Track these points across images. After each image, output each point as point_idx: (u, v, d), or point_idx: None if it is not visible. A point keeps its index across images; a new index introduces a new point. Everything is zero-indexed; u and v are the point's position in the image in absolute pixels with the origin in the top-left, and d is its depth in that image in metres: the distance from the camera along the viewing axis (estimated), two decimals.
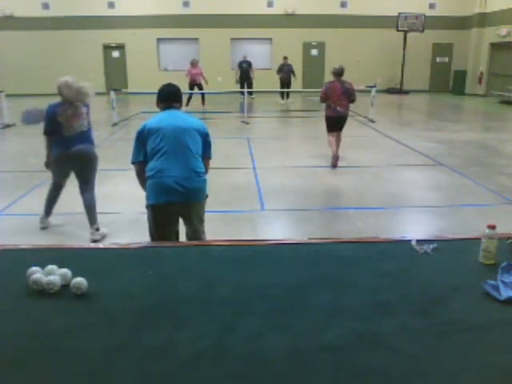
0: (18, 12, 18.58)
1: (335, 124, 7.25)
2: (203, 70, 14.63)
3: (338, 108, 7.10)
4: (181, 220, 3.21)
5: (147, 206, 3.02)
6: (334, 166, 7.22)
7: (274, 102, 15.73)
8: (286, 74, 15.73)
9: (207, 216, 4.89)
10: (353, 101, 7.19)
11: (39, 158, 6.69)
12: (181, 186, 2.87)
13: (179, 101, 3.14)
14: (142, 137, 2.94)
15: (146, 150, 2.93)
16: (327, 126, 7.39)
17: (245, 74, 16.15)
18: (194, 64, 14.39)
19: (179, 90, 3.20)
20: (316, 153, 8.33)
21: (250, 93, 16.48)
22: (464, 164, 7.28)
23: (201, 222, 3.21)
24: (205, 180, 3.06)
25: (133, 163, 3.03)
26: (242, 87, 15.59)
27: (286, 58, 16.00)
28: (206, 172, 3.12)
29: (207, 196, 3.16)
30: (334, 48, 19.47)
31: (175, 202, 2.91)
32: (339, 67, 7.12)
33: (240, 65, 16.33)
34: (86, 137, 4.44)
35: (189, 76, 14.24)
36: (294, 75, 15.97)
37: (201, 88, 14.28)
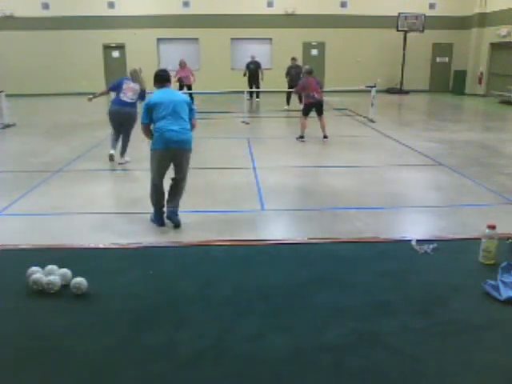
0: (18, 12, 18.56)
1: (313, 108, 9.14)
2: (192, 71, 14.34)
3: (316, 95, 9.05)
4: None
5: (152, 150, 4.41)
6: (298, 138, 9.13)
7: (274, 102, 15.65)
8: (294, 78, 13.56)
9: (207, 216, 4.92)
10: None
11: (39, 157, 6.68)
12: (175, 137, 4.28)
13: (169, 81, 4.62)
14: (149, 107, 4.38)
15: (152, 115, 4.36)
16: (305, 111, 9.24)
17: (252, 75, 15.59)
18: (182, 65, 14.15)
19: (169, 73, 4.68)
20: (316, 152, 8.32)
21: (257, 95, 16.18)
22: (464, 164, 7.27)
23: (187, 168, 4.51)
24: (191, 135, 4.45)
25: (142, 123, 4.47)
26: (251, 88, 15.37)
27: (294, 58, 14.68)
28: (194, 128, 4.56)
29: (191, 149, 4.49)
30: (333, 48, 19.45)
31: (172, 148, 4.33)
32: (310, 67, 9.72)
33: (248, 66, 15.78)
34: (131, 104, 6.83)
35: (176, 78, 13.90)
36: (303, 76, 14.36)
37: (190, 89, 14.07)
